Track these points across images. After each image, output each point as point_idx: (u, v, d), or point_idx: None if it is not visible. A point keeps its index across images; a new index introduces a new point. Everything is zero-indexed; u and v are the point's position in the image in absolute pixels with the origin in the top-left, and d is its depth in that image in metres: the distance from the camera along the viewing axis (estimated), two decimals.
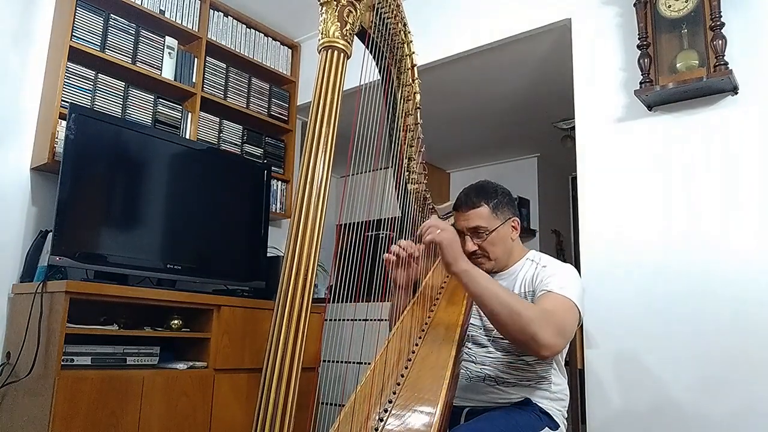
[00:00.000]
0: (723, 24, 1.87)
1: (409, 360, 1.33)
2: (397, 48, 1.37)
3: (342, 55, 1.10)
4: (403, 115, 1.43)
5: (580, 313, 1.42)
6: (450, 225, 1.41)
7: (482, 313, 1.58)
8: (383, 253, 1.46)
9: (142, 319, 2.36)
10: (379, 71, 1.36)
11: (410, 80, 1.42)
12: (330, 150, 1.06)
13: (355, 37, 1.16)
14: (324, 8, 1.12)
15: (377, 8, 1.24)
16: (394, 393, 1.23)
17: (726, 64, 1.84)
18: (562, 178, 4.75)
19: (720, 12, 1.87)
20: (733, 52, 1.89)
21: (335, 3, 1.12)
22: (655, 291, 1.96)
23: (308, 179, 1.02)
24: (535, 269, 1.55)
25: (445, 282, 1.61)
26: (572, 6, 2.36)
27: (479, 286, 1.30)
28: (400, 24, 1.35)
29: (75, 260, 2.16)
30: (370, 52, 1.28)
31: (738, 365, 1.78)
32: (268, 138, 3.24)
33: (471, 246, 1.56)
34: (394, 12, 1.31)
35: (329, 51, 1.10)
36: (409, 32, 1.39)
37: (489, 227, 1.55)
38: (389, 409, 1.19)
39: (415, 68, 1.42)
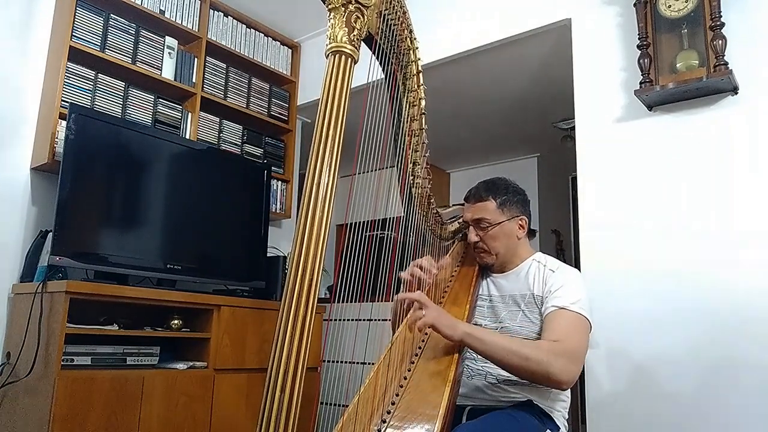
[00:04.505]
0: (723, 24, 1.88)
1: (412, 363, 1.33)
2: (403, 54, 1.38)
3: (349, 60, 1.12)
4: (409, 120, 1.44)
5: (590, 323, 1.45)
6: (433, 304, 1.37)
7: (485, 314, 1.59)
8: (386, 253, 1.46)
9: (142, 319, 2.36)
10: (385, 77, 1.36)
11: (416, 86, 1.43)
12: (336, 154, 1.07)
13: (362, 42, 1.18)
14: (332, 14, 1.13)
15: (384, 15, 1.25)
16: (397, 395, 1.23)
17: (726, 64, 1.85)
18: (562, 178, 4.74)
19: (720, 12, 1.88)
20: (733, 52, 1.89)
21: (343, 9, 1.13)
22: (654, 291, 1.96)
23: (314, 183, 1.04)
24: (543, 273, 1.55)
25: (449, 285, 1.61)
26: (572, 6, 2.36)
27: (485, 344, 1.31)
28: (406, 31, 1.36)
29: (75, 260, 2.16)
30: (377, 57, 1.29)
31: (738, 365, 1.78)
32: (268, 138, 3.24)
33: (473, 237, 1.60)
34: (401, 19, 1.32)
35: (336, 56, 1.11)
36: (415, 39, 1.41)
37: (493, 221, 1.57)
38: (392, 411, 1.19)
39: (421, 74, 1.44)
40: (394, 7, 1.28)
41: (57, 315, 1.98)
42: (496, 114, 3.65)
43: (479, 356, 1.53)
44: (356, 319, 2.73)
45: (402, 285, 1.54)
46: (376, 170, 1.36)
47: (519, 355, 1.29)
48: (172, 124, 2.76)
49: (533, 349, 1.33)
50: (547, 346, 1.35)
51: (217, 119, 3.01)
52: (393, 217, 1.49)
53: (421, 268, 1.52)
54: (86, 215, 2.26)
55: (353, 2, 1.14)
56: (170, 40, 2.80)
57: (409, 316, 1.35)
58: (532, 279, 1.55)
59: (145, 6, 2.70)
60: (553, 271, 1.54)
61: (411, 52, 1.40)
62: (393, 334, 1.48)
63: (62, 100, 2.36)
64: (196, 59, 2.89)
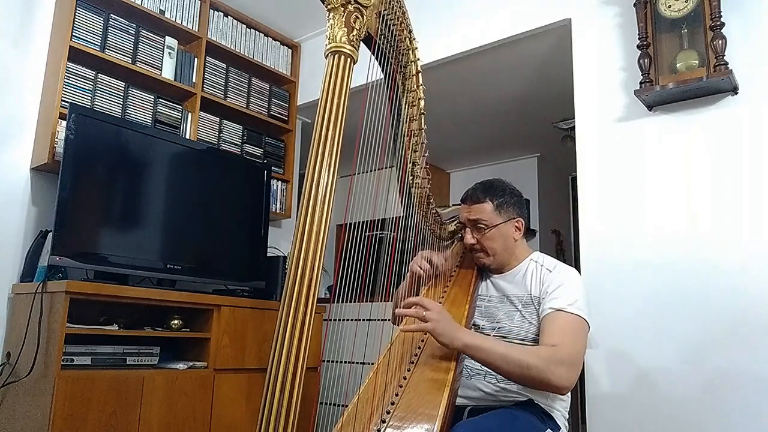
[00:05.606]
0: (723, 24, 1.88)
1: (412, 362, 1.33)
2: (402, 54, 1.39)
3: (348, 60, 1.12)
4: (408, 120, 1.45)
5: (588, 324, 1.45)
6: (436, 304, 1.36)
7: (482, 314, 1.59)
8: (386, 253, 1.46)
9: (142, 319, 2.36)
10: (385, 77, 1.37)
11: (415, 86, 1.44)
12: (336, 153, 1.08)
13: (361, 42, 1.18)
14: (331, 14, 1.14)
15: (383, 15, 1.26)
16: (397, 395, 1.23)
17: (726, 64, 1.84)
18: (562, 178, 4.75)
19: (720, 12, 1.88)
20: (733, 52, 1.89)
21: (342, 9, 1.13)
22: (654, 291, 1.96)
23: (314, 182, 1.05)
24: (540, 273, 1.55)
25: (448, 285, 1.61)
26: (572, 6, 2.36)
27: (484, 353, 1.31)
28: (405, 31, 1.37)
29: (75, 260, 2.16)
30: (376, 57, 1.29)
31: (739, 365, 1.78)
32: (268, 138, 3.24)
33: (470, 239, 1.61)
34: (400, 19, 1.33)
35: (336, 56, 1.11)
36: (414, 39, 1.41)
37: (489, 222, 1.58)
38: (392, 411, 1.19)
39: (420, 74, 1.44)
40: (393, 7, 1.28)
41: (57, 315, 1.98)
42: (496, 114, 3.66)
43: None
44: (356, 319, 2.73)
45: (411, 277, 1.55)
46: (375, 170, 1.37)
47: (519, 365, 1.30)
48: (172, 124, 2.76)
49: (532, 357, 1.32)
50: (546, 353, 1.35)
51: (217, 119, 3.01)
52: (392, 217, 1.49)
53: (430, 262, 1.52)
54: (86, 215, 2.26)
55: (352, 2, 1.14)
56: (170, 40, 2.80)
57: (407, 320, 1.35)
58: (529, 280, 1.55)
59: (145, 6, 2.70)
60: (550, 271, 1.54)
61: (410, 52, 1.41)
62: (396, 327, 1.48)
63: (62, 100, 2.36)
64: (196, 59, 2.90)
